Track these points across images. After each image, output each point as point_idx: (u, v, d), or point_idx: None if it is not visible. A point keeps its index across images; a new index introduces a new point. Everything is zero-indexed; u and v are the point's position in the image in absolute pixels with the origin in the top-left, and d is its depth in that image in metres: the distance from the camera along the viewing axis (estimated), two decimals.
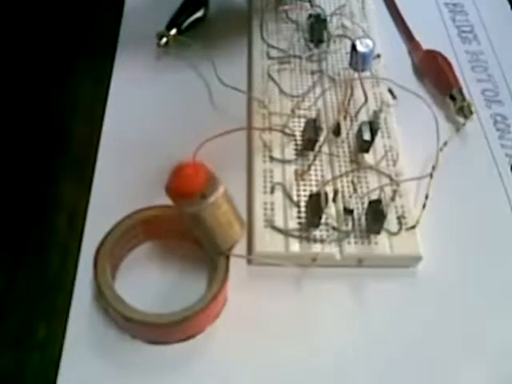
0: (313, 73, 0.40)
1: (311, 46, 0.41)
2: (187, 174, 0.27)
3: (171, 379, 0.29)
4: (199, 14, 0.43)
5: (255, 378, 0.29)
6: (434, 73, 0.40)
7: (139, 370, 0.29)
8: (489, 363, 0.30)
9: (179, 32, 0.42)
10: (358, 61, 0.37)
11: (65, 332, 0.30)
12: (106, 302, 0.29)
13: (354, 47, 0.37)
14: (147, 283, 0.31)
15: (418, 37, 0.43)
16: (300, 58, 0.41)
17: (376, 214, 0.32)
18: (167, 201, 0.29)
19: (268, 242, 0.32)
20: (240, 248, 0.31)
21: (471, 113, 0.38)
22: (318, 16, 0.42)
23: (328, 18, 0.42)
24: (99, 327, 0.30)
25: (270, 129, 0.36)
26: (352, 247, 0.32)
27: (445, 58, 0.41)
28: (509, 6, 0.46)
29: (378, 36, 0.42)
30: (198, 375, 0.29)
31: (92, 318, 0.30)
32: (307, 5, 0.44)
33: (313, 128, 0.35)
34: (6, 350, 0.30)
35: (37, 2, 0.44)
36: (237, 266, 0.31)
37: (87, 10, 0.44)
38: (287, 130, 0.36)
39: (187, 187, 0.26)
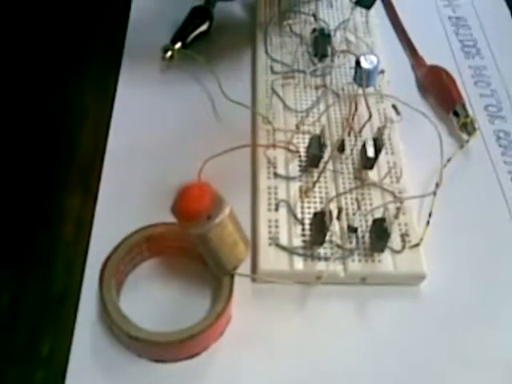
0: (317, 88, 0.40)
1: (315, 60, 0.42)
2: (193, 195, 0.27)
3: None
4: (204, 27, 0.44)
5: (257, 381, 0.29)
6: (438, 89, 0.41)
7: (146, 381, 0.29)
8: (492, 382, 0.30)
9: (184, 46, 0.42)
10: (362, 77, 0.37)
11: (70, 348, 0.30)
12: (112, 320, 0.29)
13: (358, 63, 0.37)
14: (151, 300, 0.32)
15: (421, 51, 0.43)
16: (304, 72, 0.41)
17: (380, 233, 0.32)
18: (171, 217, 0.29)
19: (272, 260, 0.32)
20: (244, 265, 0.31)
21: (474, 129, 0.38)
22: (322, 30, 0.42)
23: (332, 33, 0.42)
24: (104, 344, 0.30)
25: (274, 145, 0.36)
26: (356, 265, 0.32)
27: (448, 74, 0.41)
28: (507, 24, 0.47)
29: (381, 51, 0.42)
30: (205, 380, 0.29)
31: (97, 335, 0.30)
32: (311, 19, 0.44)
33: (317, 145, 0.35)
34: (11, 365, 0.30)
35: (42, 13, 0.45)
36: (241, 284, 0.31)
37: (92, 21, 0.45)
38: (291, 147, 0.36)
39: (193, 209, 0.27)
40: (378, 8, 0.45)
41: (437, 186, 0.35)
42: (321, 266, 0.32)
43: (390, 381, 0.30)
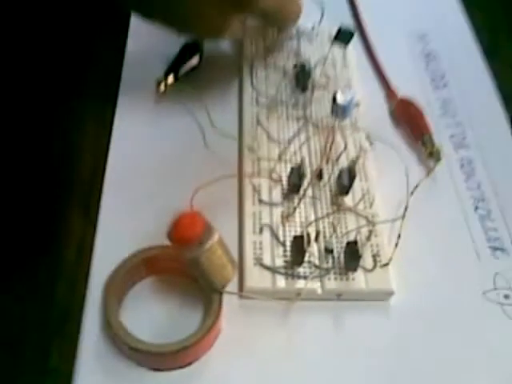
0: (298, 119, 0.44)
1: (297, 93, 0.45)
2: (186, 224, 0.31)
3: None
4: (194, 62, 0.47)
5: None
6: (407, 120, 0.45)
7: None
8: None
9: (176, 79, 0.46)
10: (338, 111, 0.41)
11: (75, 359, 0.34)
12: (114, 333, 0.33)
13: (334, 98, 0.41)
14: (149, 315, 0.35)
15: (394, 83, 0.47)
16: (286, 104, 0.45)
17: (353, 254, 0.36)
18: (166, 240, 0.32)
19: (257, 279, 0.36)
20: (232, 283, 0.35)
21: (440, 158, 0.42)
22: (302, 65, 0.46)
23: (312, 67, 0.46)
24: (107, 354, 0.34)
25: (259, 175, 0.40)
26: (332, 283, 0.36)
27: (417, 107, 0.45)
28: (479, 54, 0.51)
29: (357, 84, 0.46)
30: None
31: (100, 346, 0.34)
32: (293, 54, 0.47)
33: (297, 174, 0.39)
34: (22, 376, 0.34)
35: (42, 44, 0.48)
36: (229, 300, 0.35)
37: (92, 55, 0.48)
38: (274, 175, 0.40)
39: (186, 236, 0.30)
40: (355, 43, 0.49)
41: (405, 210, 0.39)
42: (300, 283, 0.36)
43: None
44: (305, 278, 0.36)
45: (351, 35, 0.45)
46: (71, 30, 0.48)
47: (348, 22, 0.52)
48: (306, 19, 0.48)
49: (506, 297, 0.38)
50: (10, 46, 0.46)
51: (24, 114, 0.44)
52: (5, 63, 0.46)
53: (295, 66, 0.46)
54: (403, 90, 0.47)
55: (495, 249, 0.40)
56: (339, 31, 0.45)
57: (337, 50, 0.47)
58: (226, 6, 0.33)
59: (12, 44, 0.46)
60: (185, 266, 0.33)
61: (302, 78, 0.46)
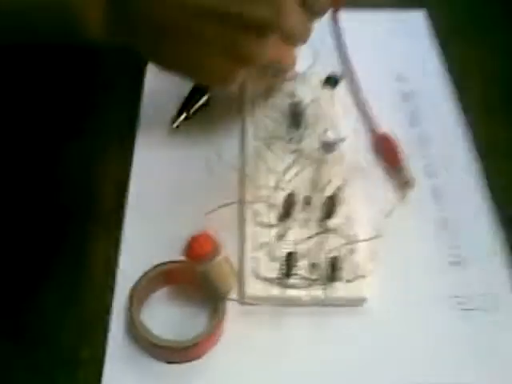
0: (292, 152, 0.51)
1: (292, 129, 0.53)
2: (199, 243, 0.38)
3: None
4: (203, 100, 0.55)
5: (243, 381, 0.41)
6: (386, 153, 0.52)
7: (162, 379, 0.40)
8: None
9: (187, 116, 0.54)
10: (327, 146, 0.49)
11: (104, 353, 0.41)
12: (137, 331, 0.40)
13: (324, 135, 0.49)
14: (165, 317, 0.42)
15: (376, 119, 0.55)
16: (283, 139, 0.52)
17: (335, 267, 0.43)
18: (179, 255, 0.39)
19: (255, 288, 0.43)
20: (234, 291, 0.42)
21: (413, 185, 0.50)
22: (297, 104, 0.54)
23: (305, 107, 0.53)
24: (130, 349, 0.41)
25: (258, 200, 0.47)
26: (317, 291, 0.43)
27: (394, 141, 0.52)
28: (447, 97, 0.58)
29: (343, 122, 0.53)
30: (204, 380, 0.40)
31: (124, 342, 0.41)
32: (289, 94, 0.55)
33: (290, 200, 0.46)
34: (60, 367, 0.41)
35: (63, 83, 0.56)
36: (232, 305, 0.42)
37: (113, 97, 0.56)
38: (271, 201, 0.47)
39: (199, 254, 0.38)
40: (343, 84, 0.57)
41: (380, 230, 0.46)
42: (291, 292, 0.43)
43: (341, 373, 0.41)
44: (295, 287, 0.43)
45: (338, 80, 0.53)
46: (89, 75, 0.56)
47: (337, 63, 0.59)
48: (301, 63, 0.55)
49: (467, 302, 0.45)
50: (32, 83, 0.54)
51: (53, 149, 0.51)
52: (30, 99, 0.54)
53: (290, 105, 0.54)
54: (384, 123, 0.54)
55: (459, 262, 0.47)
56: (328, 77, 0.53)
57: (326, 92, 0.55)
58: (231, 63, 0.41)
59: (33, 81, 0.54)
60: (195, 277, 0.41)
61: (296, 116, 0.53)
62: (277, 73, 0.52)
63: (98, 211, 0.49)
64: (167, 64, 0.42)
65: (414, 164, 0.52)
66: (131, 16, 0.39)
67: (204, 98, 0.55)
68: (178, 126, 0.53)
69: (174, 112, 0.54)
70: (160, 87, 0.56)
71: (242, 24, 0.38)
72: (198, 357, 0.41)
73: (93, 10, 0.38)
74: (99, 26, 0.39)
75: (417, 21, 0.65)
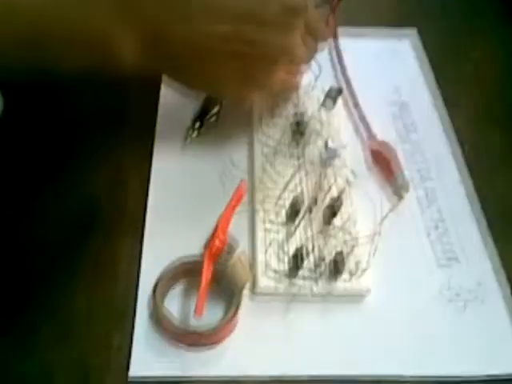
0: (298, 158, 0.56)
1: (297, 137, 0.57)
2: (218, 242, 0.43)
3: (204, 368, 0.44)
4: (215, 110, 0.59)
5: (255, 365, 0.45)
6: (383, 160, 0.57)
7: (183, 363, 0.44)
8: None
9: (201, 125, 0.58)
10: (329, 153, 0.53)
11: (132, 339, 0.45)
12: (161, 318, 0.44)
13: (326, 143, 0.54)
14: (186, 306, 0.47)
15: (374, 129, 0.59)
16: (289, 146, 0.57)
17: (339, 262, 0.48)
18: (198, 251, 0.44)
19: (266, 282, 0.47)
20: (248, 284, 0.47)
21: (408, 189, 0.54)
22: (301, 115, 0.58)
23: (309, 117, 0.58)
24: (154, 335, 0.45)
25: (268, 202, 0.52)
26: (323, 284, 0.48)
27: (391, 149, 0.57)
28: (438, 110, 0.63)
29: (344, 131, 0.58)
30: (221, 364, 0.44)
31: (150, 330, 0.46)
32: (294, 106, 0.60)
33: (297, 201, 0.51)
34: (93, 354, 0.45)
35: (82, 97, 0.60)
36: (246, 298, 0.47)
37: (131, 108, 0.60)
38: (280, 202, 0.52)
39: (218, 251, 0.43)
40: (343, 96, 0.61)
41: (380, 229, 0.51)
42: (299, 285, 0.47)
43: (343, 362, 0.45)
44: (303, 280, 0.48)
45: (339, 93, 0.57)
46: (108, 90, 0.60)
47: (338, 77, 0.64)
48: (305, 76, 0.60)
49: (457, 295, 0.49)
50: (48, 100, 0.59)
51: (74, 160, 0.56)
52: (45, 118, 0.58)
53: (295, 114, 0.59)
54: (381, 133, 0.59)
55: (450, 258, 0.51)
56: (330, 90, 0.57)
57: (328, 103, 0.60)
58: (245, 90, 0.47)
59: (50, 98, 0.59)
60: (213, 272, 0.45)
61: (300, 125, 0.58)
62: (283, 95, 0.57)
63: (121, 217, 0.53)
64: (192, 84, 0.47)
65: (409, 168, 0.57)
66: (168, 44, 0.43)
67: (216, 108, 0.59)
68: (191, 135, 0.58)
69: (188, 123, 0.58)
70: (175, 100, 0.60)
71: (261, 51, 0.44)
72: (218, 342, 0.45)
73: (129, 41, 0.42)
74: (135, 57, 0.43)
75: (409, 38, 0.71)
